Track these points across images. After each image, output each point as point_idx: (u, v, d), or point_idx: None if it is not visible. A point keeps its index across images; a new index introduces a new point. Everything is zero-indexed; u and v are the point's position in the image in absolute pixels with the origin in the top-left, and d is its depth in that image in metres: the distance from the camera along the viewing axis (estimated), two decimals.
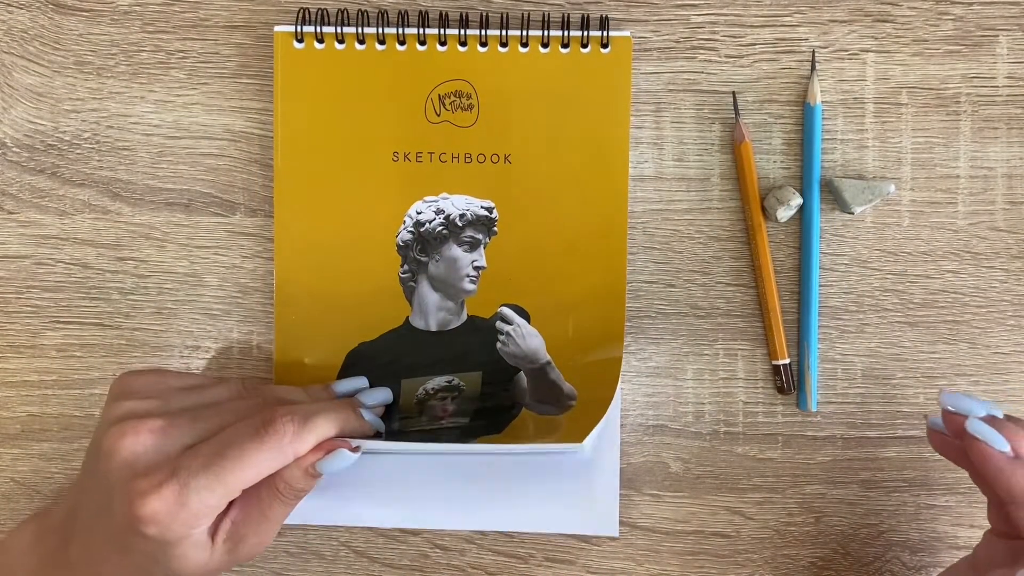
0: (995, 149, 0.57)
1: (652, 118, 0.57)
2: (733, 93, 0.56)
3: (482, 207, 0.56)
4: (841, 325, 0.57)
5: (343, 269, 0.56)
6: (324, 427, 0.48)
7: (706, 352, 0.57)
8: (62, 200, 0.58)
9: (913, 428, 0.57)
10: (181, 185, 0.58)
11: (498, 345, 0.56)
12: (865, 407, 0.57)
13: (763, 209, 0.56)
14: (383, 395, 0.55)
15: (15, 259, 0.58)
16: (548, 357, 0.56)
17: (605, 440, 0.56)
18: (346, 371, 0.56)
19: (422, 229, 0.56)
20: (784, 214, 0.56)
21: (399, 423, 0.56)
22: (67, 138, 0.57)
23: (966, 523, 0.57)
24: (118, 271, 0.58)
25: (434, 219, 0.56)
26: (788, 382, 0.57)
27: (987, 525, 0.57)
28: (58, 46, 0.57)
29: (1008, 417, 0.48)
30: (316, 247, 0.56)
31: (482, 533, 0.58)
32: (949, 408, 0.49)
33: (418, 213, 0.56)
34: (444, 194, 0.56)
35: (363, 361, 0.56)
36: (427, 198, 0.56)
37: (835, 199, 0.56)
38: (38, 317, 0.58)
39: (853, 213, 0.56)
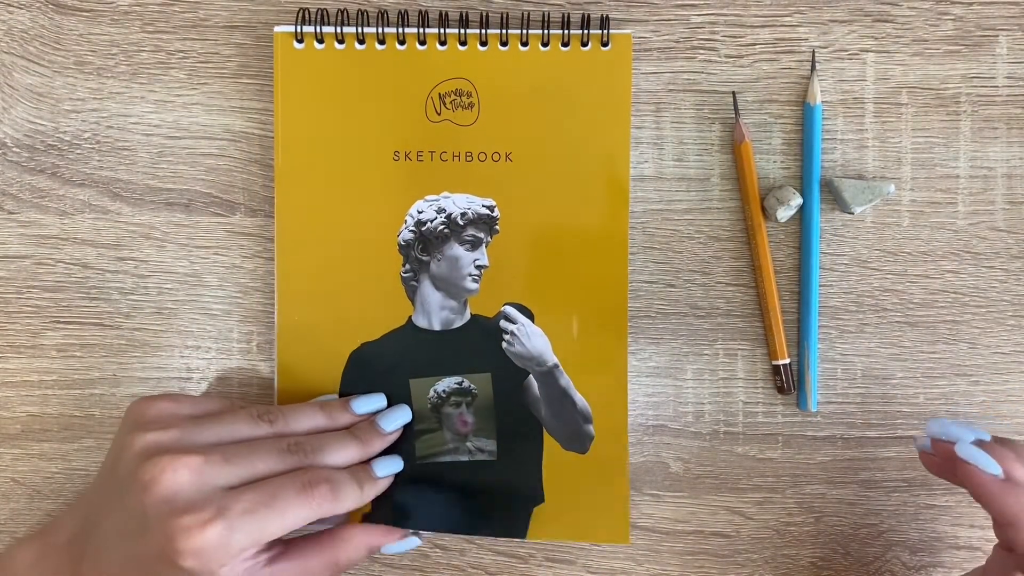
0: (995, 149, 0.57)
1: (652, 118, 0.57)
2: (733, 93, 0.57)
3: (483, 205, 0.56)
4: (841, 325, 0.57)
5: (344, 269, 0.56)
6: (355, 495, 0.51)
7: (706, 352, 0.57)
8: (62, 200, 0.58)
9: (913, 428, 0.57)
10: (181, 185, 0.58)
11: (504, 345, 0.56)
12: (865, 407, 0.57)
13: (763, 209, 0.56)
14: (402, 416, 0.55)
15: (15, 259, 0.58)
16: (555, 359, 0.56)
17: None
18: (350, 371, 0.56)
19: (423, 228, 0.56)
20: (784, 214, 0.56)
21: (420, 439, 0.56)
22: (67, 138, 0.57)
23: (966, 523, 0.57)
24: (118, 271, 0.58)
25: (435, 218, 0.56)
26: (788, 382, 0.57)
27: (986, 525, 0.57)
28: (58, 46, 0.57)
29: (996, 439, 0.49)
30: (317, 247, 0.56)
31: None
32: (936, 436, 0.50)
33: (419, 212, 0.56)
34: (445, 193, 0.56)
35: (367, 361, 0.56)
36: (428, 197, 0.56)
37: (835, 199, 0.56)
38: (38, 317, 0.58)
39: (853, 213, 0.56)
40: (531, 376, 0.56)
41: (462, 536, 0.58)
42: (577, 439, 0.56)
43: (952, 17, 0.56)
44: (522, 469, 0.56)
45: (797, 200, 0.56)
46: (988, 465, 0.47)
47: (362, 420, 0.54)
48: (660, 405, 0.57)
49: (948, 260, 0.57)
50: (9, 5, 0.57)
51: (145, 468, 0.47)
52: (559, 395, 0.56)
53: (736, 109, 0.56)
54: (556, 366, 0.56)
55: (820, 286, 0.57)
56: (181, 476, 0.47)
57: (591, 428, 0.56)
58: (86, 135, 0.57)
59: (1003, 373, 0.57)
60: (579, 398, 0.56)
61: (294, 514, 0.48)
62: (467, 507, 0.56)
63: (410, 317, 0.56)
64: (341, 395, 0.56)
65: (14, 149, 0.57)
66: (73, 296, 0.58)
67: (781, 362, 0.57)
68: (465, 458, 0.56)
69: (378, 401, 0.55)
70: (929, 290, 0.57)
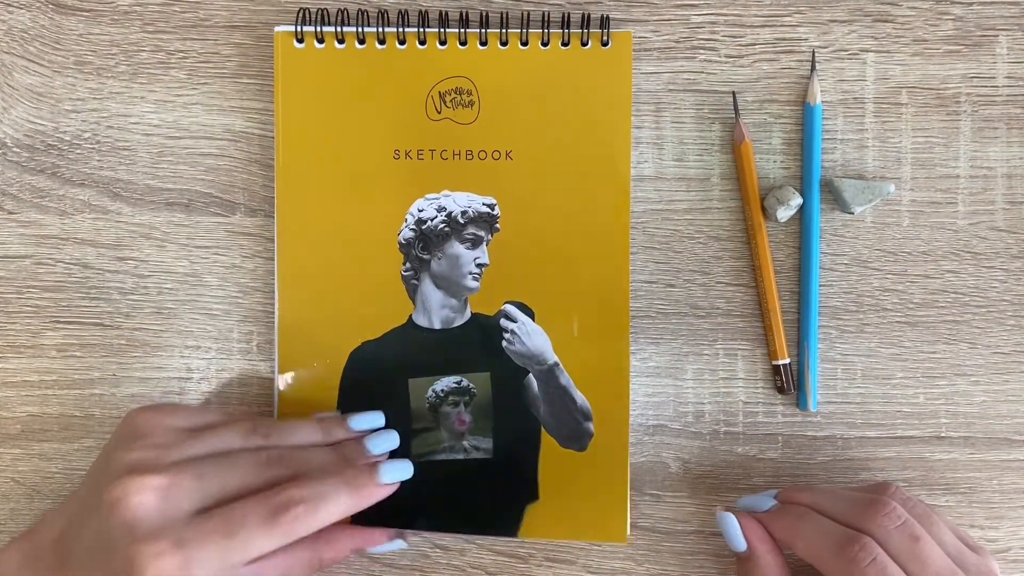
0: (995, 149, 0.57)
1: (652, 118, 0.57)
2: (733, 93, 0.57)
3: (484, 204, 0.56)
4: (841, 325, 0.57)
5: (345, 268, 0.56)
6: (336, 509, 0.50)
7: (706, 352, 0.57)
8: (62, 200, 0.58)
9: (913, 428, 0.57)
10: (181, 185, 0.58)
11: (503, 343, 0.56)
12: (865, 407, 0.57)
13: (763, 209, 0.56)
14: (393, 440, 0.55)
15: (15, 259, 0.58)
16: (556, 358, 0.56)
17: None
18: (350, 370, 0.56)
19: (424, 227, 0.56)
20: (784, 214, 0.56)
21: (417, 438, 0.56)
22: (67, 138, 0.57)
23: (966, 523, 0.57)
24: (118, 271, 0.58)
25: (436, 216, 0.56)
26: (788, 382, 0.57)
27: (987, 525, 0.57)
28: (58, 46, 0.57)
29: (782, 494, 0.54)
30: (318, 246, 0.56)
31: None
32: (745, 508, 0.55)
33: (420, 211, 0.56)
34: (446, 191, 0.56)
35: (367, 360, 0.56)
36: (429, 195, 0.56)
37: (835, 199, 0.56)
38: (38, 317, 0.58)
39: (853, 213, 0.56)
40: (531, 374, 0.56)
41: (462, 536, 0.58)
42: (575, 437, 0.56)
43: (952, 17, 0.56)
44: (517, 466, 0.56)
45: (797, 200, 0.56)
46: (736, 542, 0.53)
47: (356, 436, 0.54)
48: (660, 405, 0.57)
49: (948, 260, 0.57)
50: (9, 5, 0.57)
51: (113, 488, 0.47)
52: (559, 393, 0.56)
53: (736, 109, 0.56)
54: (556, 364, 0.56)
55: (820, 286, 0.57)
56: (146, 499, 0.46)
57: (591, 426, 0.56)
58: (86, 135, 0.57)
59: (1003, 373, 0.57)
60: (579, 396, 0.56)
61: (259, 544, 0.47)
62: (457, 504, 0.56)
63: (411, 316, 0.56)
64: (341, 393, 0.56)
65: (14, 149, 0.57)
66: (73, 296, 0.58)
67: (781, 362, 0.57)
68: (461, 456, 0.56)
69: (375, 419, 0.55)
70: (929, 290, 0.57)
